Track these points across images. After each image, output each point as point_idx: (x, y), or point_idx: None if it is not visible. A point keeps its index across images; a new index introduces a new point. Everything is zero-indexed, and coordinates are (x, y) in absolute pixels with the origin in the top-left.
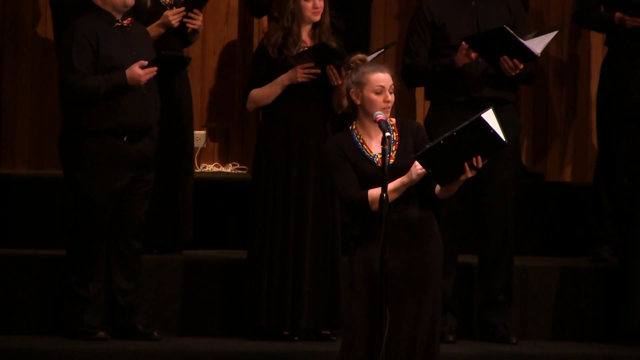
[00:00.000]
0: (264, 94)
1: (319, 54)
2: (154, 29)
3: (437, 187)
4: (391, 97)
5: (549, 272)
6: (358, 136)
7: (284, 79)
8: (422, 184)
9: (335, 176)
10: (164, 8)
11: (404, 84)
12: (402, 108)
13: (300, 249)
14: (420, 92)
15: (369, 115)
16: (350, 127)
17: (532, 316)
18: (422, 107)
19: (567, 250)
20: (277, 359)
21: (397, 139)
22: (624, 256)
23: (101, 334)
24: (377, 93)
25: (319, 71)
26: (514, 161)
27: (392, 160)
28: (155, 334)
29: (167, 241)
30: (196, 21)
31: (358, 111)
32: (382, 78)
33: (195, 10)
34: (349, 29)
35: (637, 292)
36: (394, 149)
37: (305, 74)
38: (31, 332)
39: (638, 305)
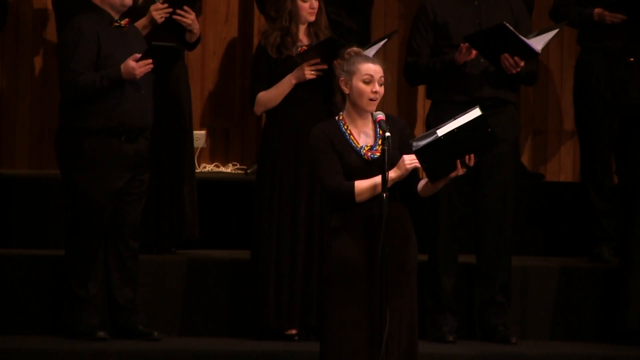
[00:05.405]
0: (272, 95)
1: (327, 49)
2: (141, 25)
3: (421, 185)
4: (380, 89)
5: (548, 272)
6: (345, 126)
7: (291, 78)
8: (404, 180)
9: (320, 163)
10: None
11: (406, 82)
12: (402, 106)
13: (309, 248)
14: (421, 91)
15: (357, 106)
16: (337, 117)
17: (532, 316)
18: (422, 107)
19: (567, 250)
20: (278, 359)
21: (383, 133)
22: (623, 256)
23: (101, 334)
24: (366, 82)
25: (325, 67)
26: (514, 162)
27: (377, 154)
28: (155, 333)
29: (169, 241)
30: (186, 19)
31: (346, 101)
32: (372, 68)
33: (186, 8)
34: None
35: (634, 292)
36: (379, 142)
37: (312, 70)
38: (31, 332)
39: (636, 305)
